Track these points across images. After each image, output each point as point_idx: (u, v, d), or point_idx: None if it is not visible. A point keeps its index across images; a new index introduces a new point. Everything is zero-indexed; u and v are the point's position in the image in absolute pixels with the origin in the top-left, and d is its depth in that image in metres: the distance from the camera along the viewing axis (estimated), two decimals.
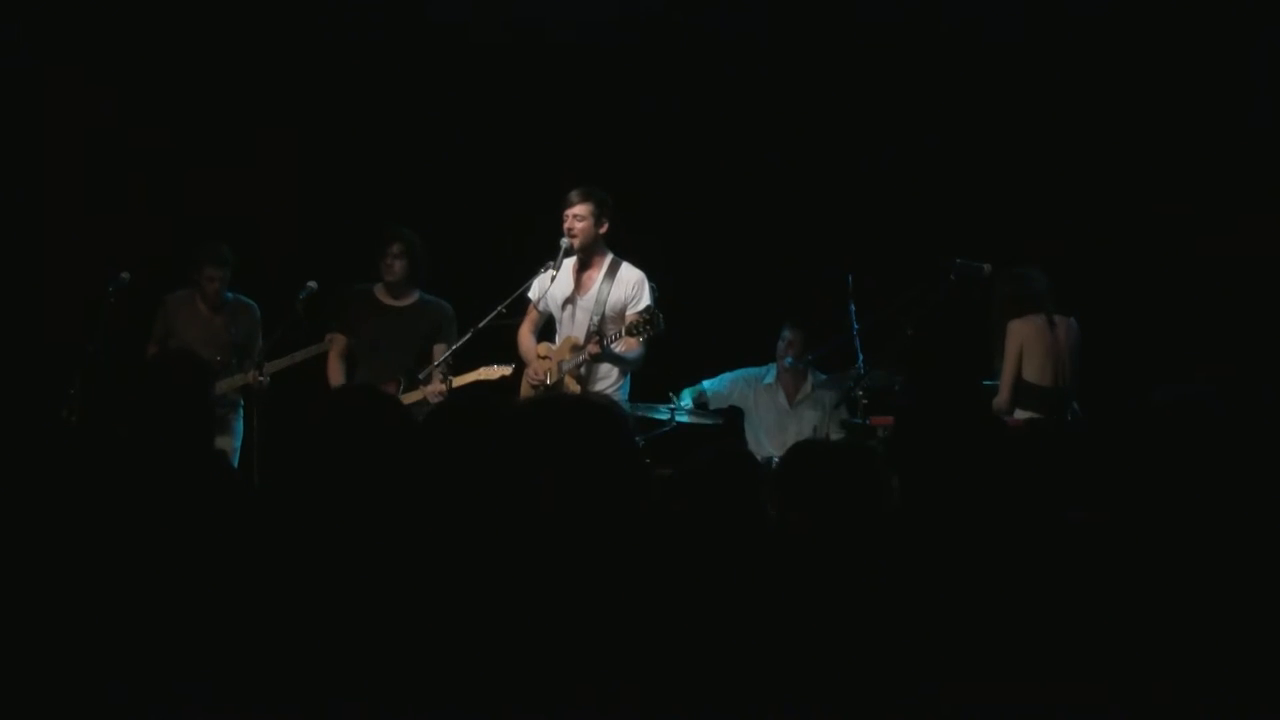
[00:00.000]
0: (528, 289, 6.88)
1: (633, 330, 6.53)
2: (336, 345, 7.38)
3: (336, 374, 7.36)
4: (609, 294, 6.75)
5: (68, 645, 2.86)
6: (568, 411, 3.08)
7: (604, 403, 3.33)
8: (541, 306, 6.94)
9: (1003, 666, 2.78)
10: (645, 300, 6.71)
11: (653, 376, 7.33)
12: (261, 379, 7.23)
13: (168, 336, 7.47)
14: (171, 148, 8.39)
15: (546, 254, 6.79)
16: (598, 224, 6.74)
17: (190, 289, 7.55)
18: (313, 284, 7.31)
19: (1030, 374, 6.72)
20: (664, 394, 7.86)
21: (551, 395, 6.38)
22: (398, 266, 7.29)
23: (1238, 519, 3.06)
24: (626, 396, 6.87)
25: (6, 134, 8.26)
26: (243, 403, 7.41)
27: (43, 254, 8.20)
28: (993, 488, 3.18)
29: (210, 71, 8.44)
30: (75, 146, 8.26)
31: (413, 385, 6.98)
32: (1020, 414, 6.65)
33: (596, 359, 6.66)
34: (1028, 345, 6.73)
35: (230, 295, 7.59)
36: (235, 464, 7.00)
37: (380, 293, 7.38)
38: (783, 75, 8.55)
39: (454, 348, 6.95)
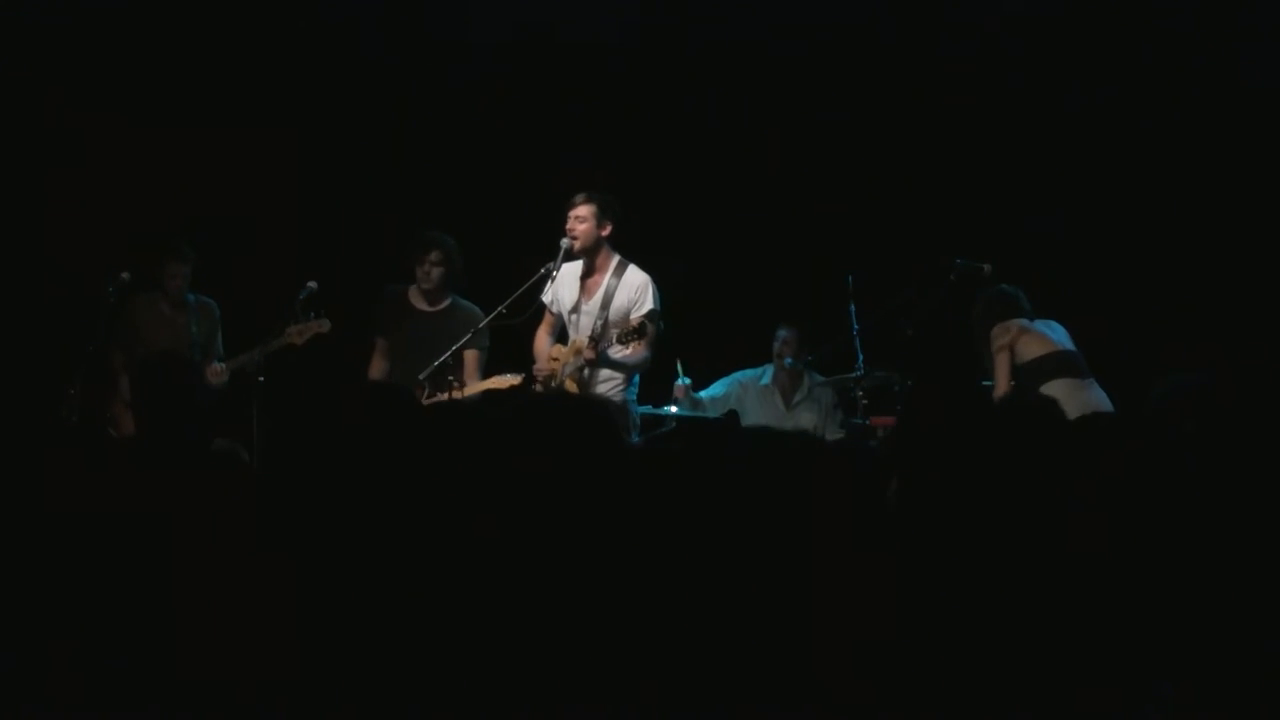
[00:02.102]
0: (530, 290, 6.85)
1: (624, 338, 6.53)
2: (380, 349, 7.30)
3: (381, 377, 7.28)
4: (615, 296, 6.74)
5: (68, 644, 2.85)
6: (555, 412, 3.08)
7: (592, 402, 3.33)
8: (555, 310, 6.94)
9: (1001, 667, 2.77)
10: (649, 304, 6.70)
11: (653, 377, 7.33)
12: (221, 375, 7.21)
13: (134, 340, 7.42)
14: (172, 148, 8.38)
15: (548, 255, 6.77)
16: (599, 226, 6.73)
17: (152, 292, 7.51)
18: (313, 284, 7.29)
19: (1029, 355, 6.75)
20: (662, 395, 7.86)
21: (540, 395, 6.38)
22: (435, 274, 7.19)
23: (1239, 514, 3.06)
24: (634, 398, 6.87)
25: (7, 134, 8.26)
26: None
27: (43, 254, 8.19)
28: (992, 485, 3.17)
29: (211, 72, 8.43)
30: (75, 147, 8.25)
31: (437, 390, 6.90)
32: (1048, 387, 6.62)
33: (593, 364, 6.65)
34: (1014, 338, 6.79)
35: (192, 296, 7.55)
36: None
37: (414, 296, 7.29)
38: (783, 74, 8.55)
39: (454, 348, 6.91)
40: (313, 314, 7.25)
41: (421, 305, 7.29)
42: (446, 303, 7.27)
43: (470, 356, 7.12)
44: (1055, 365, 6.69)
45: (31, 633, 2.88)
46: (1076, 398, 6.49)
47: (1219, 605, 2.83)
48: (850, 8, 8.38)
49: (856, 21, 8.36)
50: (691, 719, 2.70)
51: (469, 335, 6.94)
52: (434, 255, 7.19)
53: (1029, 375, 6.68)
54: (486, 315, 6.99)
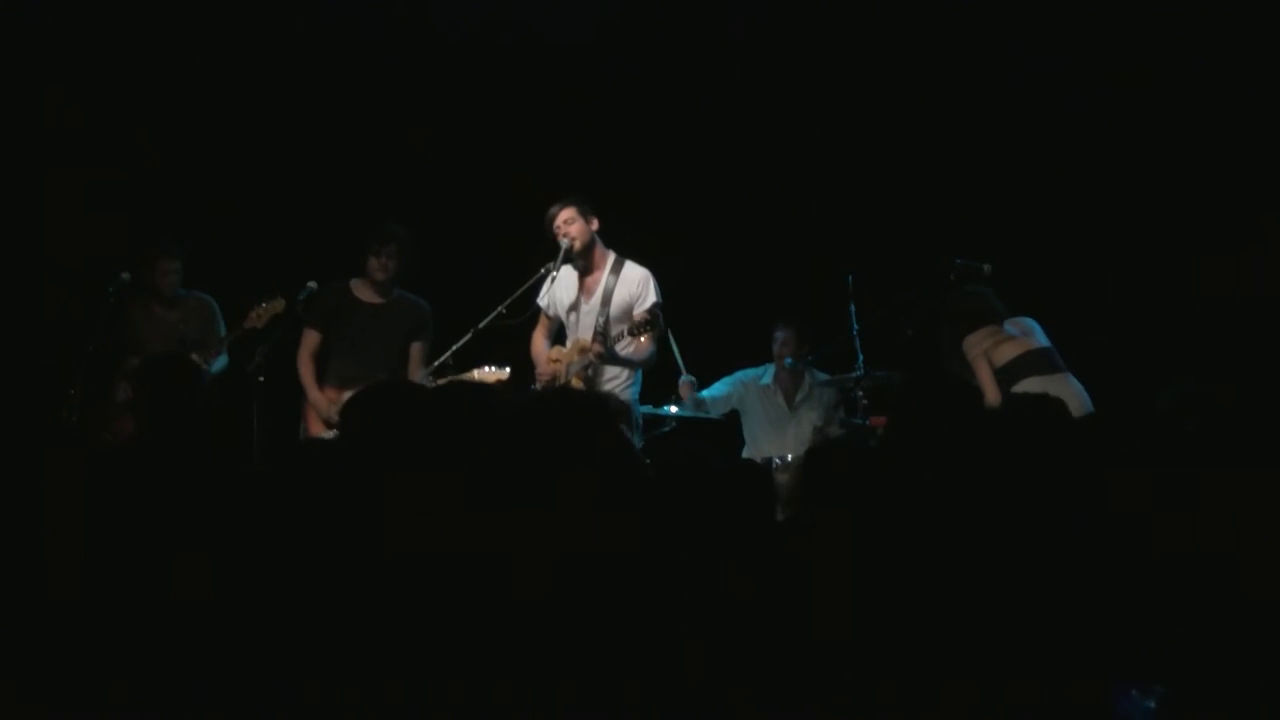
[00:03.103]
0: (529, 291, 6.86)
1: (635, 330, 6.53)
2: (308, 342, 7.31)
3: (309, 372, 7.30)
4: (615, 292, 6.74)
5: (67, 644, 2.85)
6: (561, 409, 3.08)
7: (595, 400, 3.33)
8: (551, 313, 6.94)
9: (1003, 666, 2.77)
10: (651, 297, 6.71)
11: (653, 378, 7.32)
12: (208, 361, 7.14)
13: (129, 343, 7.38)
14: (171, 147, 8.38)
15: (547, 255, 6.78)
16: (587, 221, 6.76)
17: (144, 293, 7.48)
18: (313, 284, 7.28)
19: (1002, 360, 6.77)
20: (662, 395, 7.85)
21: (547, 392, 6.38)
22: (392, 267, 7.28)
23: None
24: (637, 396, 6.87)
25: (7, 134, 8.25)
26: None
27: (43, 254, 8.18)
28: (987, 481, 3.17)
29: (210, 70, 8.43)
30: (75, 146, 8.24)
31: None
32: (1020, 386, 6.65)
33: (602, 360, 6.66)
34: (988, 345, 6.80)
35: (184, 292, 7.54)
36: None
37: (359, 289, 7.34)
38: (783, 73, 8.55)
39: (455, 348, 6.93)
40: (264, 302, 7.20)
41: (369, 298, 7.33)
42: (393, 296, 7.34)
43: (415, 349, 7.19)
44: (1026, 364, 6.73)
45: (29, 633, 2.87)
46: (1049, 393, 6.51)
47: (1216, 603, 2.83)
48: (851, 7, 8.38)
49: (857, 21, 8.35)
50: (691, 718, 2.69)
51: (416, 327, 7.02)
52: (391, 248, 7.26)
53: (1003, 378, 6.73)
54: (467, 313, 7.02)
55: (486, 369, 6.86)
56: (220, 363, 7.32)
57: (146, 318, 7.50)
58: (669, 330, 7.81)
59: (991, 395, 6.74)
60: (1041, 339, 6.85)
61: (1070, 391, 6.64)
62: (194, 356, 7.19)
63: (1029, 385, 6.60)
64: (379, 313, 7.30)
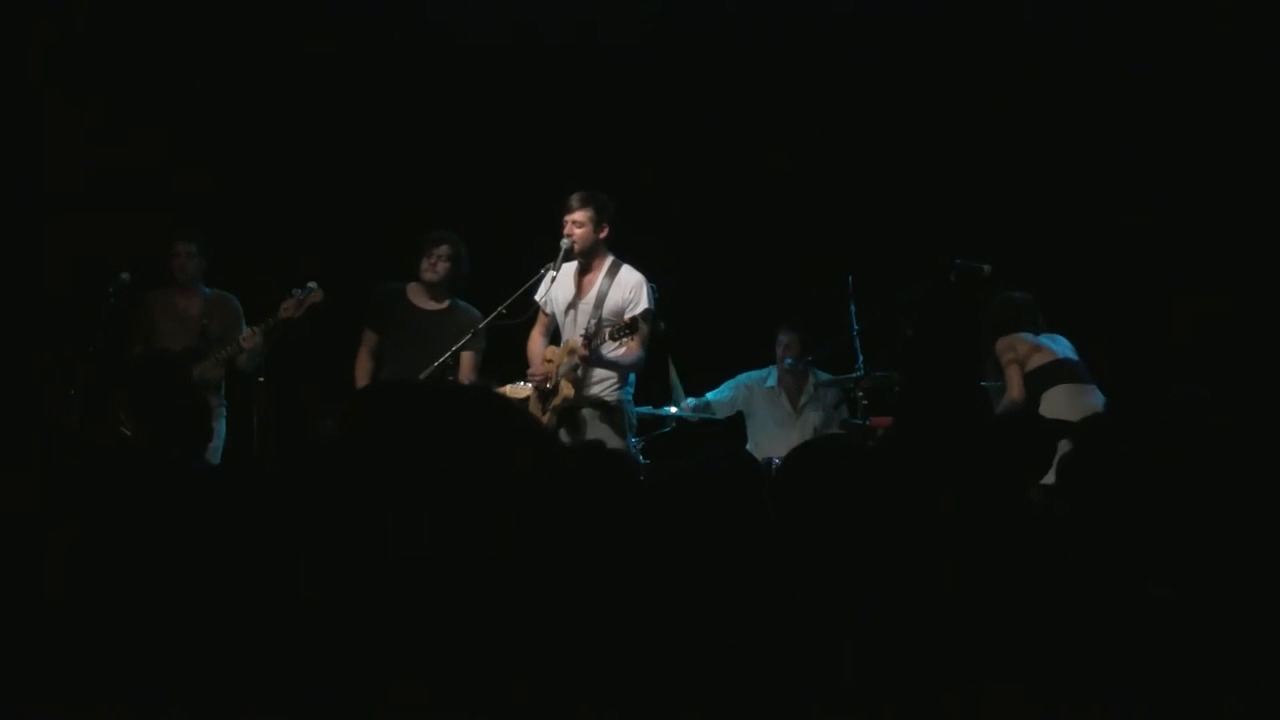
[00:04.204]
0: (529, 291, 6.86)
1: (616, 334, 6.53)
2: (367, 343, 7.32)
3: (364, 371, 7.29)
4: (608, 295, 6.74)
5: (64, 644, 2.85)
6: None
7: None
8: (549, 310, 6.94)
9: (1006, 668, 2.77)
10: (644, 304, 6.70)
11: (654, 379, 7.33)
12: (253, 338, 7.08)
13: (151, 335, 7.38)
14: (170, 147, 8.38)
15: (547, 255, 6.78)
16: (597, 229, 6.75)
17: (164, 287, 7.45)
18: (312, 284, 7.27)
19: (1033, 365, 6.79)
20: (663, 396, 7.86)
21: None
22: (441, 269, 7.21)
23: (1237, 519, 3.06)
24: (630, 398, 6.87)
25: (7, 134, 8.25)
26: (225, 404, 7.34)
27: (43, 254, 8.18)
28: (988, 484, 3.17)
29: (210, 70, 8.44)
30: (75, 147, 8.24)
31: None
32: (1051, 392, 6.65)
33: (587, 363, 6.65)
34: (1019, 350, 6.81)
35: (208, 290, 7.52)
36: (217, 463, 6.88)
37: (413, 293, 7.30)
38: (783, 74, 8.55)
39: (454, 349, 6.92)
40: (305, 289, 7.13)
41: (423, 302, 7.29)
42: (447, 302, 7.29)
43: (466, 358, 7.13)
44: (1057, 373, 6.75)
45: (27, 634, 2.87)
46: (1077, 401, 6.55)
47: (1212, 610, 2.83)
48: (851, 8, 8.39)
49: (857, 22, 8.36)
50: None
51: (469, 336, 6.95)
52: (442, 249, 7.22)
53: (1033, 382, 6.74)
54: (485, 317, 7.00)
55: (519, 385, 6.84)
56: (255, 359, 7.23)
57: (167, 311, 7.42)
58: (671, 364, 7.83)
59: (1015, 392, 6.75)
60: (1070, 352, 6.88)
61: (1097, 403, 6.66)
62: (251, 330, 7.16)
63: (1057, 393, 6.64)
64: (431, 318, 7.25)
